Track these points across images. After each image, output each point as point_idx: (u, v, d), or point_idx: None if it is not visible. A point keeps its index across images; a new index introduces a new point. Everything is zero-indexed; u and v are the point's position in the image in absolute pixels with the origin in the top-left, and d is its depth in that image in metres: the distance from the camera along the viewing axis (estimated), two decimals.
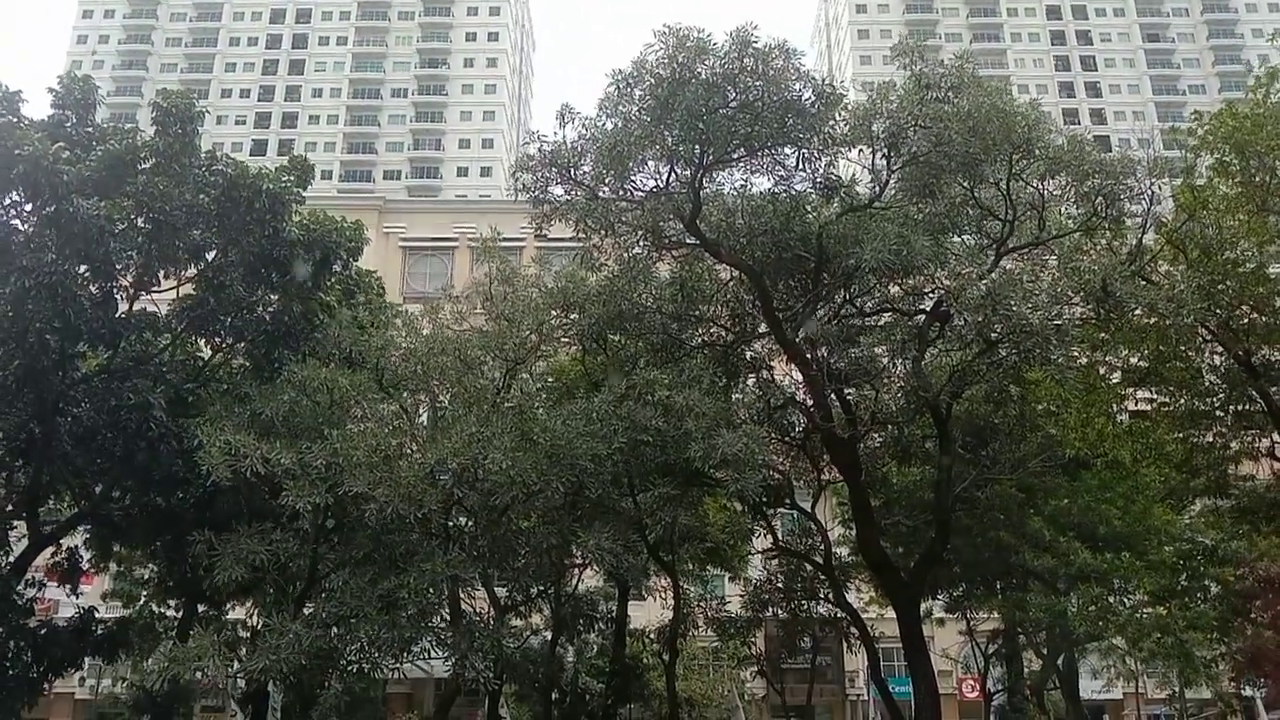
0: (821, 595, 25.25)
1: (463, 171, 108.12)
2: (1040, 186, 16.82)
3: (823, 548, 22.82)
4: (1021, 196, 16.78)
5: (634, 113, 15.88)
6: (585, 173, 16.65)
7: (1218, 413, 23.64)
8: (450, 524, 17.09)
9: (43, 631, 20.52)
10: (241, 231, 18.60)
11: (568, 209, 16.94)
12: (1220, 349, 21.81)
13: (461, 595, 17.73)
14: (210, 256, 19.34)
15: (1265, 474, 25.63)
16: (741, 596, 26.99)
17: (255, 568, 16.02)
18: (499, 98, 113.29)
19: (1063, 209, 17.72)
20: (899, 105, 16.07)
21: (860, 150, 16.83)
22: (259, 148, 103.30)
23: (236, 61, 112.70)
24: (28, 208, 18.01)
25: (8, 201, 17.92)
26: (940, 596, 28.38)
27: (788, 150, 16.69)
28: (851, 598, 25.55)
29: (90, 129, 19.06)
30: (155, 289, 19.53)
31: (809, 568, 24.49)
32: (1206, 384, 23.05)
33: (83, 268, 17.88)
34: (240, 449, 14.89)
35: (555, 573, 21.27)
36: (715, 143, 15.78)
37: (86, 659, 22.91)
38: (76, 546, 23.46)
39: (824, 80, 15.97)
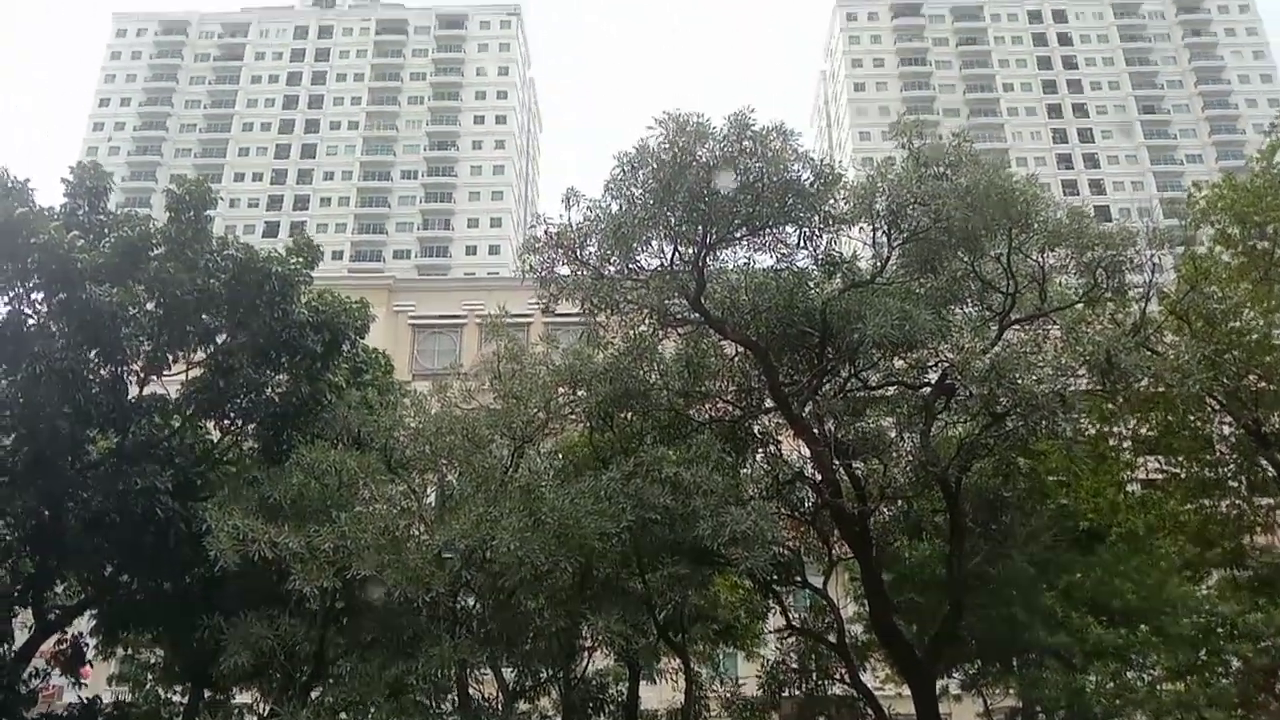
0: (837, 675, 24.77)
1: (471, 250, 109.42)
2: (1041, 259, 16.96)
3: (836, 626, 22.46)
4: (1022, 269, 16.91)
5: (638, 194, 16.15)
6: (591, 253, 16.86)
7: (1230, 482, 23.44)
8: (458, 606, 16.94)
9: None
10: (251, 314, 18.80)
11: (574, 288, 17.10)
12: (1229, 418, 21.73)
13: (469, 679, 17.50)
14: (220, 339, 19.53)
15: None
16: (758, 676, 26.49)
17: (262, 653, 15.89)
18: (506, 178, 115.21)
19: (1064, 280, 17.83)
20: (898, 182, 16.30)
21: (861, 227, 17.03)
22: (271, 229, 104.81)
23: (250, 146, 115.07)
24: (39, 295, 18.24)
25: (20, 290, 18.18)
26: (956, 674, 27.82)
27: (789, 229, 16.91)
28: (867, 676, 25.05)
29: (103, 216, 19.38)
30: (165, 372, 19.69)
31: (824, 646, 24.08)
32: (1217, 453, 22.91)
33: (93, 353, 18.04)
34: (248, 533, 14.87)
35: (564, 655, 20.95)
36: (718, 223, 16.04)
37: None
38: (81, 633, 23.24)
39: (822, 160, 16.26)
